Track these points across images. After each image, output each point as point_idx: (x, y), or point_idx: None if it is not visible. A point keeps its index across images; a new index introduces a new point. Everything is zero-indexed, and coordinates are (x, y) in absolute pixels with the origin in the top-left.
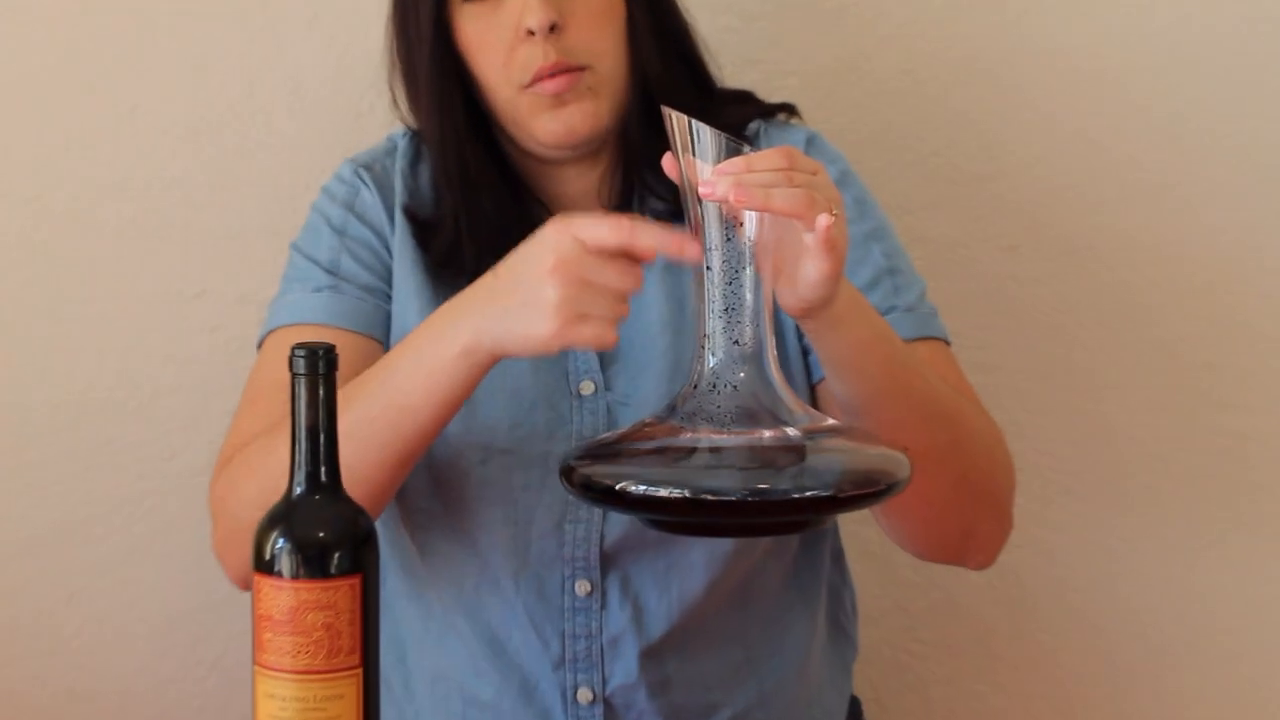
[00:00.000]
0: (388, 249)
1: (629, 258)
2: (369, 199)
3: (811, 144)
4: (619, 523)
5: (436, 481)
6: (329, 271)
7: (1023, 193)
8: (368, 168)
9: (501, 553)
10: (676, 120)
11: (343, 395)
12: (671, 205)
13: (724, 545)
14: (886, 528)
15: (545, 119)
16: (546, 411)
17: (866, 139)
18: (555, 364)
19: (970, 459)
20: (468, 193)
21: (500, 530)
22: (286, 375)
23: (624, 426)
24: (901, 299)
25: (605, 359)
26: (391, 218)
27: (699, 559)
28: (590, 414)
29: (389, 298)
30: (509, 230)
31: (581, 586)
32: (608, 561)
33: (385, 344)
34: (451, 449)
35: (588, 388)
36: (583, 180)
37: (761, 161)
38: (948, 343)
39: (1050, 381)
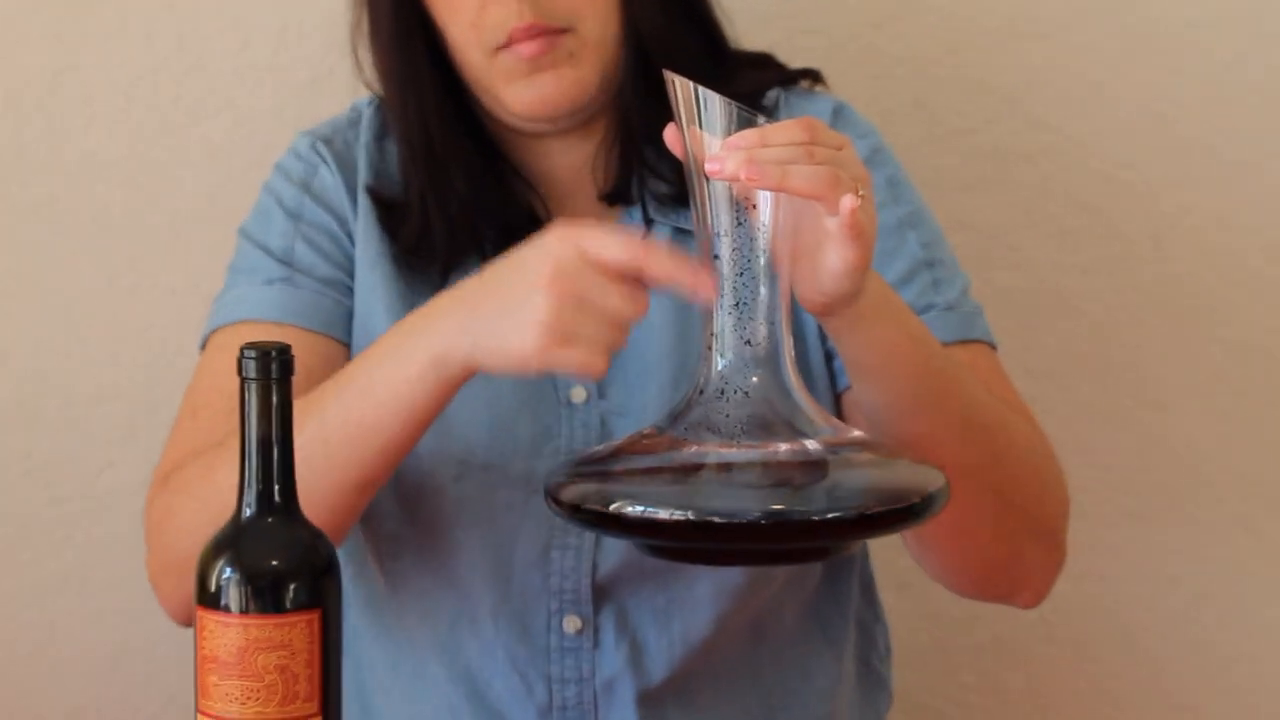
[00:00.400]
0: (349, 236)
1: (637, 281)
2: (328, 178)
3: (839, 115)
4: (614, 550)
5: (405, 502)
6: (282, 261)
7: (1075, 173)
8: (327, 142)
9: (480, 584)
10: (680, 87)
11: (298, 408)
12: (676, 186)
13: (735, 576)
14: (920, 558)
15: (518, 87)
16: (531, 422)
17: (899, 111)
18: None
19: (1017, 478)
20: (434, 169)
21: (479, 558)
22: (233, 381)
23: (619, 439)
24: (941, 295)
25: None
26: (354, 199)
27: (706, 592)
28: (581, 425)
29: (350, 291)
30: (487, 212)
31: (571, 623)
32: (601, 594)
33: (347, 345)
34: (422, 464)
35: (579, 395)
36: (573, 155)
37: (778, 134)
38: (993, 346)
39: (1109, 388)
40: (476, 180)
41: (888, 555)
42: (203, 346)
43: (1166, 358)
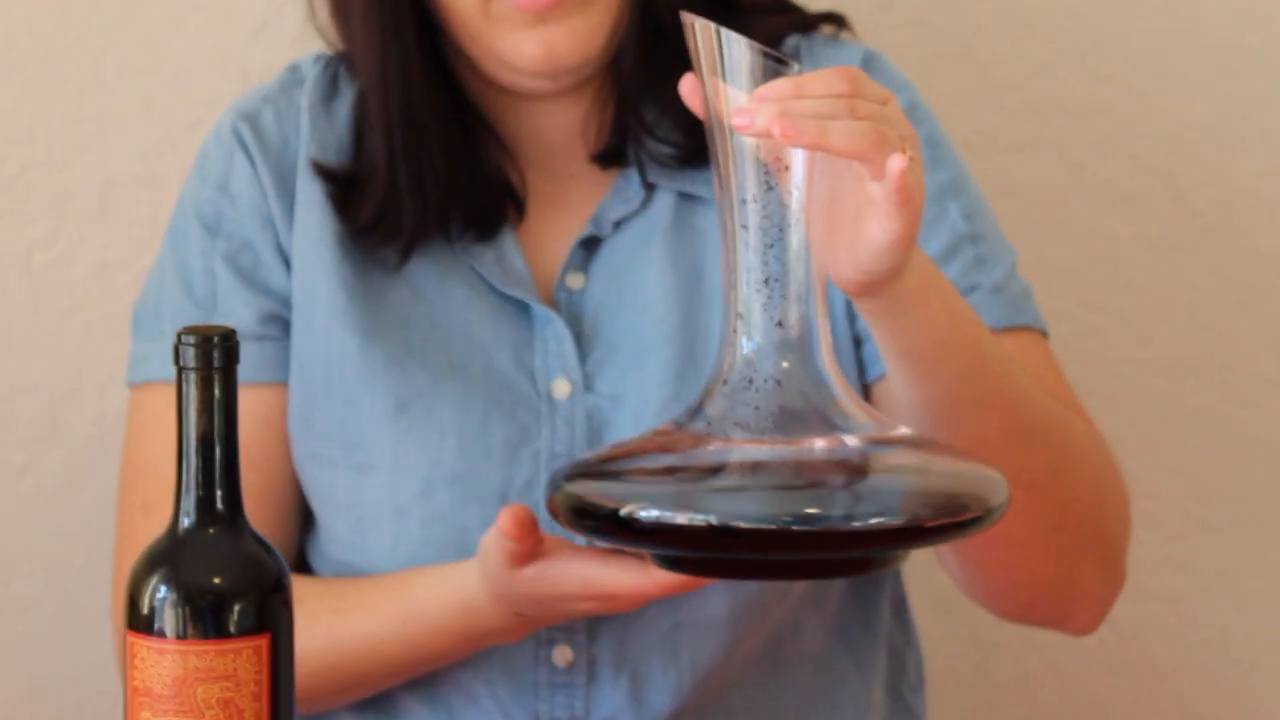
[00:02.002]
0: (277, 233)
1: None
2: (244, 171)
3: (869, 67)
4: None
5: (364, 523)
6: (205, 309)
7: (1137, 133)
8: (251, 118)
9: None
10: (701, 30)
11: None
12: (679, 150)
13: (750, 594)
14: (958, 575)
15: (520, 39)
16: (504, 423)
17: (933, 60)
18: (516, 357)
19: (1073, 488)
20: (411, 133)
21: None
22: (170, 442)
23: (616, 438)
24: (986, 275)
25: (585, 346)
26: (284, 185)
27: (718, 613)
28: (565, 423)
29: (289, 303)
30: (462, 184)
31: (561, 655)
32: (597, 620)
33: (286, 371)
34: (380, 482)
35: (562, 388)
36: (562, 117)
37: (815, 85)
38: (1044, 333)
39: (1183, 381)
40: (454, 148)
41: (922, 571)
42: (130, 385)
43: (1253, 345)
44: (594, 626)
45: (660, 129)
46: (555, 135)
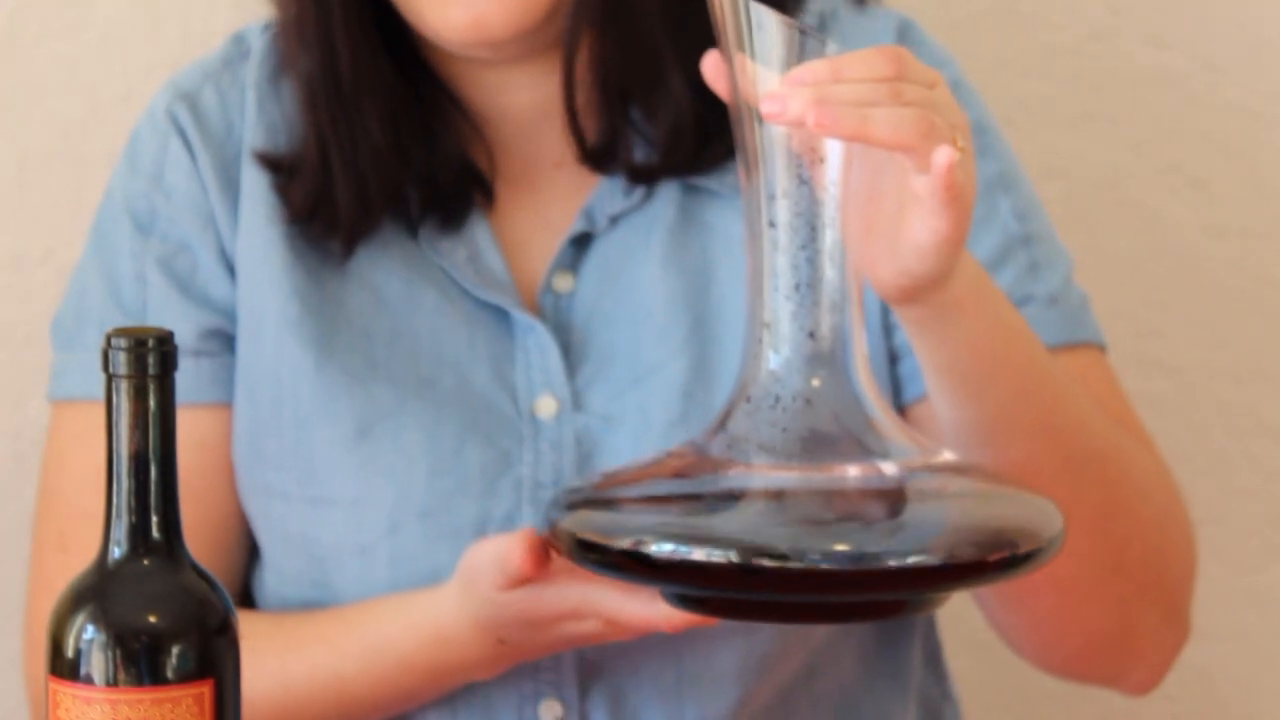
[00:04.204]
0: (220, 237)
1: None
2: (181, 160)
3: (905, 38)
4: None
5: (324, 562)
6: (135, 319)
7: (1205, 106)
8: (190, 99)
9: None
10: (726, 3)
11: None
12: (672, 142)
13: (763, 644)
14: (1000, 625)
15: (447, 3)
16: (481, 447)
17: (969, 21)
18: (494, 371)
19: (1132, 526)
20: (339, 108)
21: None
22: (91, 466)
23: (610, 465)
24: (1041, 284)
25: (574, 359)
26: (227, 177)
27: (728, 664)
28: (551, 448)
29: (232, 315)
30: (414, 162)
31: (549, 711)
32: (590, 672)
33: (229, 392)
34: (342, 517)
35: (547, 407)
36: (533, 91)
37: (855, 67)
38: (1104, 348)
39: (1259, 391)
40: (397, 122)
41: (959, 610)
42: (51, 400)
43: None
44: (586, 680)
45: (649, 119)
46: (529, 113)
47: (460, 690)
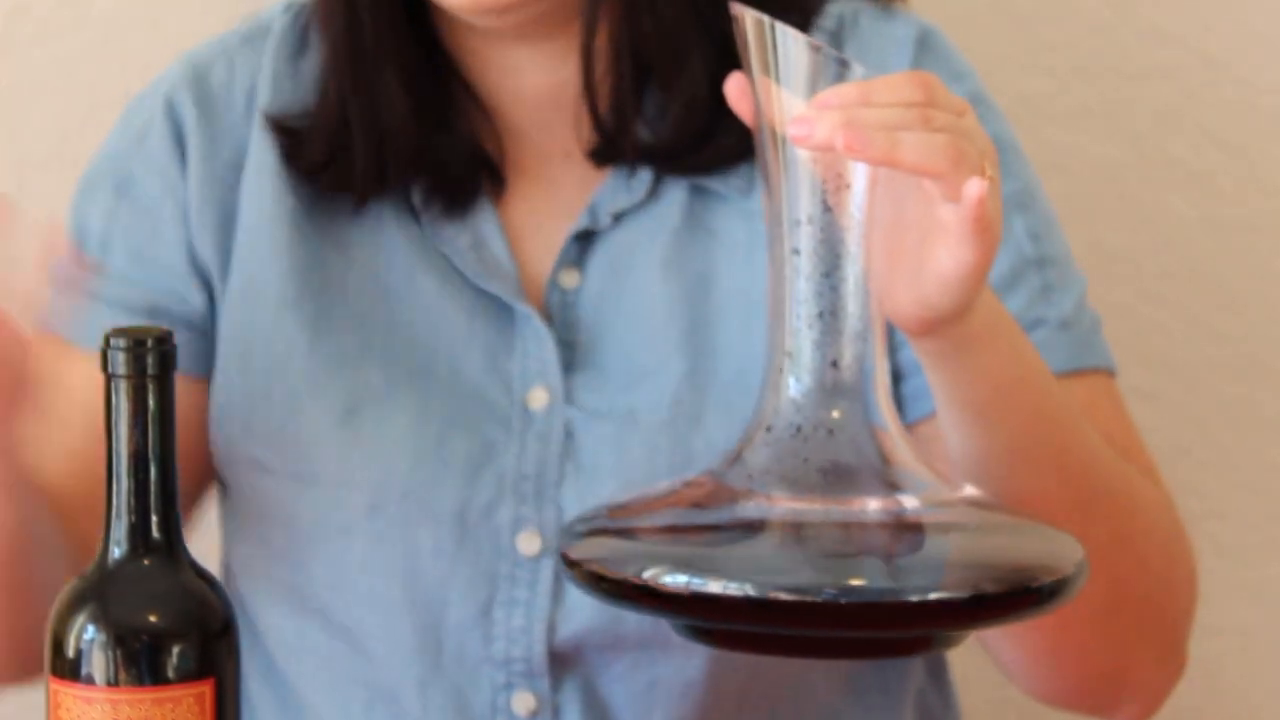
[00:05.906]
0: (190, 231)
1: None
2: (164, 146)
3: (925, 47)
4: (579, 607)
5: (302, 540)
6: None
7: (1206, 102)
8: (199, 79)
9: (402, 651)
10: (751, 24)
11: None
12: (686, 140)
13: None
14: (996, 653)
15: None
16: (467, 435)
17: (968, 14)
18: (490, 361)
19: (1137, 561)
20: (362, 67)
21: (399, 618)
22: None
23: (593, 460)
24: (1053, 308)
25: (573, 353)
26: (223, 161)
27: (699, 671)
28: (537, 440)
29: (184, 300)
30: (427, 135)
31: (522, 703)
32: (562, 664)
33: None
34: (323, 496)
35: (539, 398)
36: (548, 74)
37: (885, 92)
38: (1112, 373)
39: (1259, 384)
40: (420, 88)
41: None
42: None
43: None
44: (558, 671)
45: (665, 91)
46: (542, 98)
47: (430, 682)
